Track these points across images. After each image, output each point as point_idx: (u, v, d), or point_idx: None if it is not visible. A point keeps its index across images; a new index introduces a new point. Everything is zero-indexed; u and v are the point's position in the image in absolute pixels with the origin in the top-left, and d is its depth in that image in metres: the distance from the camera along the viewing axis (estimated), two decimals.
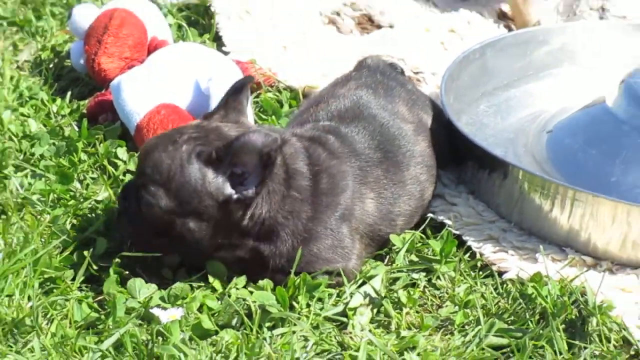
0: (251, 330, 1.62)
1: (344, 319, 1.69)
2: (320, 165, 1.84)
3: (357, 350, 1.58)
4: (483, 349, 1.63)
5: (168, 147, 1.74)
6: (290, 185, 1.77)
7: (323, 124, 1.99)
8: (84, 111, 2.34)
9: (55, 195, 2.03)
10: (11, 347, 1.56)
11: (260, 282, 1.74)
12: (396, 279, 1.80)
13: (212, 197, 1.70)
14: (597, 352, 1.64)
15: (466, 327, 1.70)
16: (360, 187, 1.87)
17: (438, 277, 1.82)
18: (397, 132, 2.00)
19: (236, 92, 1.88)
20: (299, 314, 1.68)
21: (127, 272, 1.76)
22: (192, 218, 1.73)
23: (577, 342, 1.66)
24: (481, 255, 1.90)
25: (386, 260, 1.89)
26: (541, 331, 1.65)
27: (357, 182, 1.87)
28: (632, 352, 1.67)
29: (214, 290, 1.75)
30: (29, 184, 2.05)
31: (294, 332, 1.63)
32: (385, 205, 1.90)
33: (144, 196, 1.73)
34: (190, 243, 1.74)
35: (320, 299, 1.75)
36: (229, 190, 1.69)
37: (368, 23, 2.84)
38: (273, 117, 2.36)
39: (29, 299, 1.65)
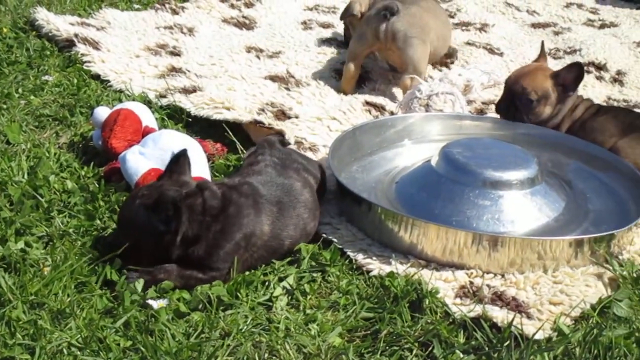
0: (211, 312, 2.04)
1: (270, 303, 2.13)
2: (230, 201, 2.25)
3: (279, 322, 2.03)
4: (358, 320, 2.09)
5: (129, 202, 2.26)
6: (205, 214, 2.20)
7: (243, 179, 2.40)
8: (102, 174, 2.71)
9: (84, 229, 2.40)
10: (56, 327, 1.94)
11: (214, 282, 2.17)
12: (302, 277, 2.25)
13: (151, 231, 2.17)
14: (429, 321, 2.08)
15: (347, 306, 2.14)
16: (260, 216, 2.28)
17: (329, 275, 2.27)
18: (288, 186, 2.41)
19: (177, 160, 2.32)
20: (241, 300, 2.11)
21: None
22: (148, 242, 2.20)
23: (417, 315, 2.11)
24: (356, 260, 2.35)
25: (295, 265, 2.30)
26: (394, 308, 2.10)
27: (258, 213, 2.28)
28: (451, 320, 2.11)
29: None
30: (68, 221, 2.42)
31: (238, 312, 2.05)
32: (276, 230, 2.30)
33: (119, 233, 2.27)
34: (153, 256, 2.20)
35: (255, 290, 2.17)
36: (161, 227, 2.16)
37: (282, 115, 3.18)
38: (222, 175, 2.75)
39: (68, 295, 2.05)
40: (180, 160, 2.32)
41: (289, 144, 2.87)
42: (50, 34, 3.82)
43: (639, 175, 2.70)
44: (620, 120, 2.99)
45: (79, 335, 1.94)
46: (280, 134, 2.94)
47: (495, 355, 1.98)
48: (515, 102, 3.07)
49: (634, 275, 2.31)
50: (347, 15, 3.78)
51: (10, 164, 2.71)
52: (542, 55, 3.21)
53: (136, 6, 4.33)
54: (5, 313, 1.97)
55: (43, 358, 1.87)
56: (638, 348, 2.01)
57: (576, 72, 2.99)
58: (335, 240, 2.43)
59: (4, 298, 2.03)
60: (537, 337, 2.03)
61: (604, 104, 3.56)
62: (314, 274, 2.28)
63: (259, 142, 2.76)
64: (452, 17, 4.40)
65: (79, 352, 1.90)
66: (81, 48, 3.67)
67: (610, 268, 2.34)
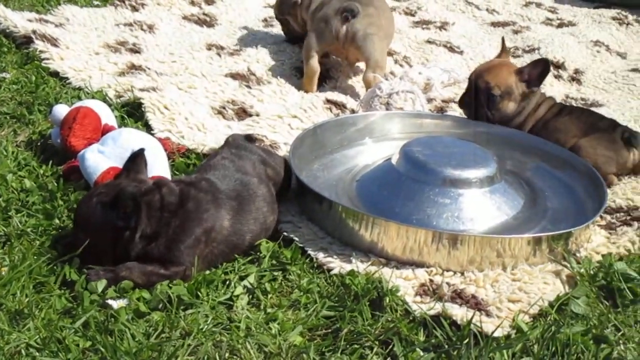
0: (171, 311, 2.02)
1: (231, 302, 2.12)
2: (189, 197, 2.24)
3: (240, 322, 2.01)
4: (319, 318, 2.07)
5: (87, 200, 2.23)
6: (163, 210, 2.19)
7: (201, 176, 2.41)
8: (61, 173, 2.68)
9: (43, 228, 2.36)
10: (14, 328, 1.91)
11: (174, 281, 2.15)
12: (263, 276, 2.24)
13: (110, 229, 2.16)
14: (389, 319, 2.08)
15: (308, 305, 2.13)
16: (220, 211, 2.28)
17: (290, 274, 2.26)
18: (247, 184, 2.41)
19: (134, 159, 2.32)
20: (202, 300, 2.09)
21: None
22: (107, 241, 2.18)
23: (377, 313, 2.10)
24: (316, 259, 2.34)
25: (256, 263, 2.30)
26: (354, 306, 2.09)
27: (217, 208, 2.28)
28: (411, 318, 2.10)
29: None
30: (26, 221, 2.38)
31: (199, 312, 2.03)
32: (237, 225, 2.30)
33: (77, 232, 2.23)
34: (112, 254, 2.18)
35: (215, 289, 2.16)
36: (120, 224, 2.15)
37: (243, 113, 3.22)
38: (183, 174, 2.72)
39: (26, 295, 2.02)
40: (137, 159, 2.33)
41: (255, 140, 2.85)
42: (7, 31, 3.78)
43: (596, 174, 2.71)
44: (583, 121, 3.03)
45: (38, 336, 1.91)
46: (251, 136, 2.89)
47: (455, 353, 1.98)
48: (478, 97, 3.09)
49: (591, 272, 2.32)
50: (288, 7, 3.81)
51: None
52: (504, 51, 3.23)
53: (95, 2, 4.30)
54: None
55: (1, 359, 1.85)
56: (595, 345, 2.02)
57: (542, 67, 3.01)
58: (296, 238, 2.42)
59: None
60: (496, 334, 2.04)
61: (563, 102, 3.58)
62: (275, 273, 2.28)
63: (225, 140, 2.76)
64: (413, 15, 4.43)
65: (37, 353, 1.87)
66: (39, 45, 3.63)
67: (568, 265, 2.35)
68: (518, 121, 3.10)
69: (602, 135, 2.94)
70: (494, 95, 3.04)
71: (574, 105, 3.59)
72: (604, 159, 2.89)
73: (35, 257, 2.20)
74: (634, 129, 3.10)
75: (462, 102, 3.20)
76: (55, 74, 3.44)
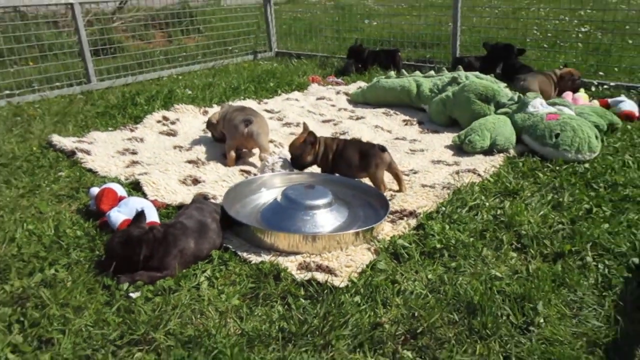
0: (166, 295, 1.98)
1: (198, 286, 2.04)
2: (168, 233, 2.17)
3: (204, 296, 1.96)
4: (247, 289, 2.01)
5: (112, 240, 2.13)
6: (155, 242, 2.12)
7: (176, 220, 2.32)
8: (97, 225, 2.52)
9: (89, 257, 2.23)
10: (77, 315, 1.84)
11: (166, 278, 2.06)
12: (215, 269, 2.16)
13: (125, 255, 2.08)
14: (284, 285, 2.03)
15: (241, 282, 2.05)
16: (188, 239, 2.19)
17: (229, 266, 2.17)
18: (204, 223, 2.31)
19: (138, 216, 2.24)
20: (182, 287, 2.02)
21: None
22: (124, 262, 2.08)
23: (277, 282, 2.04)
24: (243, 256, 2.24)
25: (211, 263, 2.20)
26: (265, 280, 2.05)
27: (186, 237, 2.19)
28: (296, 282, 2.04)
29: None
30: (79, 254, 2.25)
31: (181, 293, 1.98)
32: (199, 246, 2.22)
33: (107, 258, 2.12)
34: (128, 269, 2.08)
35: (189, 280, 2.07)
36: (136, 257, 2.07)
37: (196, 182, 3.06)
38: (166, 219, 2.55)
39: (83, 295, 1.93)
40: (139, 215, 2.26)
41: (208, 197, 2.76)
42: (61, 149, 3.62)
43: (382, 195, 2.73)
44: (356, 146, 2.96)
45: (91, 319, 1.86)
46: (203, 195, 2.81)
47: (320, 298, 1.97)
48: (293, 159, 3.06)
49: (386, 246, 2.34)
50: (209, 125, 3.76)
51: (43, 224, 2.56)
52: (305, 130, 3.09)
53: (110, 129, 4.14)
54: (45, 311, 1.87)
55: (70, 336, 1.76)
56: (392, 284, 2.06)
57: (312, 138, 2.97)
58: (231, 246, 2.34)
59: (44, 303, 1.92)
60: (340, 285, 2.04)
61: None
62: (221, 267, 2.21)
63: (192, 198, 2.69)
64: (281, 120, 4.40)
65: (91, 329, 1.81)
66: (80, 155, 3.48)
67: (375, 244, 2.36)
68: (316, 161, 3.03)
69: (370, 150, 2.90)
70: (294, 154, 3.03)
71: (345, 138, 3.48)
72: (379, 167, 2.87)
73: (86, 274, 2.13)
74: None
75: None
76: (89, 170, 3.30)
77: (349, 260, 2.23)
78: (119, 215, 2.50)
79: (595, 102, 4.37)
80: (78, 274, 2.12)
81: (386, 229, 2.51)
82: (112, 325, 1.82)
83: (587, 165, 3.21)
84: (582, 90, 4.73)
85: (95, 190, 2.71)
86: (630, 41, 6.11)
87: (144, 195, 2.86)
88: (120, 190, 2.75)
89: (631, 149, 3.47)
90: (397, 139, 3.94)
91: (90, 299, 1.96)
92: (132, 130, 4.05)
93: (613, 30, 5.95)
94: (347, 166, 2.94)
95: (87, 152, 3.54)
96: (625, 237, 2.35)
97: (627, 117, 4.13)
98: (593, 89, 5.06)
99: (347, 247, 2.34)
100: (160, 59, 6.40)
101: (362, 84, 5.49)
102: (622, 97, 4.46)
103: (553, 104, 3.86)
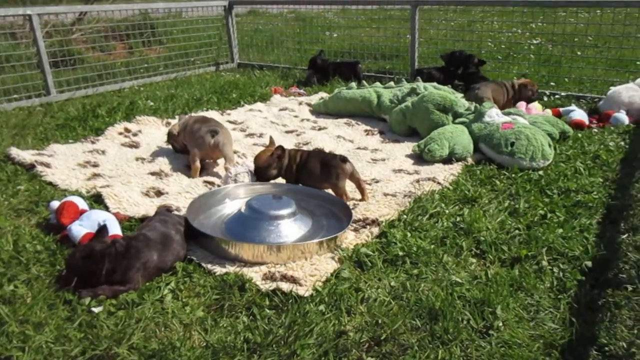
0: (129, 309, 1.93)
1: (162, 299, 2.01)
2: (131, 245, 2.13)
3: (168, 309, 1.94)
4: (212, 300, 1.99)
5: (73, 254, 2.09)
6: (117, 256, 2.07)
7: (139, 232, 2.27)
8: (58, 239, 2.46)
9: (50, 272, 2.17)
10: (37, 332, 1.77)
11: (129, 291, 2.02)
12: (179, 281, 2.13)
13: (87, 269, 2.04)
14: (249, 295, 2.00)
15: (205, 293, 2.03)
16: (151, 251, 2.15)
17: (194, 278, 2.15)
18: (167, 235, 2.26)
19: (100, 229, 2.20)
20: (146, 300, 1.99)
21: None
22: (86, 276, 2.03)
23: (243, 292, 2.03)
24: (207, 268, 2.22)
25: (174, 275, 2.17)
26: (230, 291, 2.03)
27: (149, 249, 2.15)
28: (260, 292, 2.02)
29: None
30: (39, 269, 2.19)
31: (145, 307, 1.94)
32: (162, 258, 2.18)
33: (68, 273, 2.06)
34: (91, 283, 2.03)
35: (153, 293, 2.03)
36: (92, 267, 2.03)
37: (159, 193, 3.01)
38: (129, 232, 2.51)
39: (43, 311, 1.88)
40: (102, 229, 2.22)
41: (172, 210, 2.73)
42: (20, 161, 3.50)
43: (345, 204, 2.74)
44: (319, 157, 2.96)
45: (52, 335, 1.80)
46: (166, 206, 2.78)
47: (285, 308, 1.97)
48: (257, 171, 3.03)
49: (349, 255, 2.35)
50: (170, 137, 3.70)
51: (1, 239, 2.46)
52: (271, 143, 3.13)
53: (70, 141, 4.05)
54: (4, 329, 1.81)
55: (30, 353, 1.72)
56: (355, 292, 2.07)
57: (280, 152, 2.96)
58: (195, 258, 2.32)
59: (3, 320, 1.87)
60: (305, 295, 2.04)
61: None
62: (185, 279, 2.18)
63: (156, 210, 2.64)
64: (244, 130, 4.38)
65: (52, 345, 1.76)
66: (39, 168, 3.39)
67: (338, 253, 2.37)
68: (281, 174, 3.01)
69: (332, 161, 2.90)
70: (262, 168, 3.00)
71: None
72: (340, 178, 2.86)
73: (46, 289, 2.07)
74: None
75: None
76: (49, 183, 3.21)
77: (314, 270, 2.22)
78: (80, 229, 2.44)
79: (548, 111, 4.50)
80: (38, 289, 2.05)
81: (349, 238, 2.52)
82: (73, 341, 1.77)
83: (541, 172, 3.30)
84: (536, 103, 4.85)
85: (55, 204, 2.64)
86: (579, 53, 6.33)
87: (106, 208, 2.81)
88: (82, 204, 2.69)
89: (582, 157, 3.57)
90: (359, 148, 3.97)
91: (51, 314, 1.90)
92: (93, 143, 3.97)
93: (563, 43, 6.15)
94: (310, 177, 2.95)
95: (47, 165, 3.45)
96: (578, 241, 2.42)
97: (578, 125, 4.27)
98: (545, 98, 5.21)
99: (312, 256, 2.33)
100: (121, 70, 6.30)
101: (324, 95, 5.52)
102: (573, 107, 4.61)
103: (508, 114, 3.97)
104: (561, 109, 4.59)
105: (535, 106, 4.63)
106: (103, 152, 3.80)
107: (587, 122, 4.34)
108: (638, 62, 5.98)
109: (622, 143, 3.86)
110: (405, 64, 6.39)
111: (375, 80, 5.88)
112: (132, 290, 2.06)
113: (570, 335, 1.80)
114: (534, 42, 7.67)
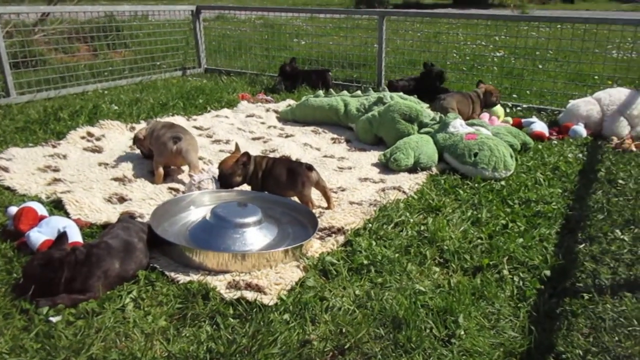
0: (89, 318, 1.89)
1: (123, 308, 1.96)
2: (92, 253, 2.09)
3: (130, 318, 1.89)
4: (175, 309, 1.96)
5: (31, 262, 2.03)
6: (77, 264, 2.04)
7: (101, 240, 2.22)
8: (15, 246, 2.39)
9: (6, 280, 2.12)
10: None
11: (89, 300, 1.97)
12: (141, 289, 2.09)
13: (45, 278, 1.98)
14: (213, 304, 1.98)
15: (168, 302, 2.00)
16: (113, 259, 2.11)
17: (156, 286, 2.11)
18: (130, 242, 2.22)
19: (59, 237, 2.15)
20: (106, 309, 1.94)
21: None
22: (44, 285, 1.98)
23: (206, 301, 2.00)
24: (170, 276, 2.18)
25: (137, 283, 2.12)
26: (194, 299, 2.00)
27: (111, 257, 2.11)
28: (225, 301, 2.00)
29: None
30: None
31: (105, 316, 1.90)
32: (124, 266, 2.13)
33: (26, 281, 2.01)
34: (49, 292, 1.98)
35: (114, 302, 2.00)
36: (51, 275, 1.98)
37: (122, 200, 2.97)
38: (90, 239, 2.45)
39: None
40: (61, 236, 2.16)
41: (135, 217, 2.69)
42: None
43: (311, 212, 2.74)
44: (285, 164, 2.95)
45: (7, 345, 1.75)
46: (130, 213, 2.74)
47: (250, 317, 1.95)
48: (222, 178, 3.00)
49: (315, 263, 2.35)
50: (136, 141, 3.64)
51: None
52: (237, 150, 3.11)
53: (30, 145, 3.94)
54: None
55: None
56: (320, 301, 2.07)
57: (245, 159, 2.93)
58: (158, 266, 2.28)
59: None
60: (270, 304, 2.03)
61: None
62: (148, 287, 2.14)
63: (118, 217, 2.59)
64: (211, 137, 4.35)
65: (7, 356, 1.71)
66: None
67: (304, 261, 2.37)
68: (246, 181, 2.99)
69: (297, 169, 2.89)
70: (225, 174, 2.96)
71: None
72: (306, 186, 2.86)
73: (2, 298, 2.01)
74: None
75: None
76: (7, 188, 3.12)
77: (278, 278, 2.22)
78: (39, 236, 2.37)
79: (509, 120, 4.61)
80: None
81: (315, 246, 2.51)
82: (30, 351, 1.72)
83: (503, 182, 3.36)
84: (499, 106, 4.93)
85: (13, 210, 2.57)
86: (540, 66, 6.51)
87: (67, 214, 2.74)
88: (41, 209, 2.62)
89: (542, 167, 3.67)
90: (325, 156, 3.98)
91: (7, 324, 1.85)
92: (54, 147, 3.88)
93: (525, 56, 6.31)
94: (276, 184, 2.94)
95: (5, 169, 3.36)
96: (538, 251, 2.48)
97: (538, 137, 4.38)
98: (507, 109, 5.33)
99: (277, 264, 2.32)
100: (85, 73, 6.18)
101: (292, 102, 5.52)
102: (534, 119, 4.73)
103: (471, 125, 4.05)
104: (523, 120, 4.71)
105: (498, 110, 4.72)
106: (64, 156, 3.72)
107: (547, 134, 4.46)
108: (596, 77, 6.19)
109: (580, 155, 3.98)
110: (372, 73, 6.45)
111: (343, 88, 5.93)
112: (92, 299, 2.02)
113: (529, 343, 1.83)
114: (497, 54, 7.85)
